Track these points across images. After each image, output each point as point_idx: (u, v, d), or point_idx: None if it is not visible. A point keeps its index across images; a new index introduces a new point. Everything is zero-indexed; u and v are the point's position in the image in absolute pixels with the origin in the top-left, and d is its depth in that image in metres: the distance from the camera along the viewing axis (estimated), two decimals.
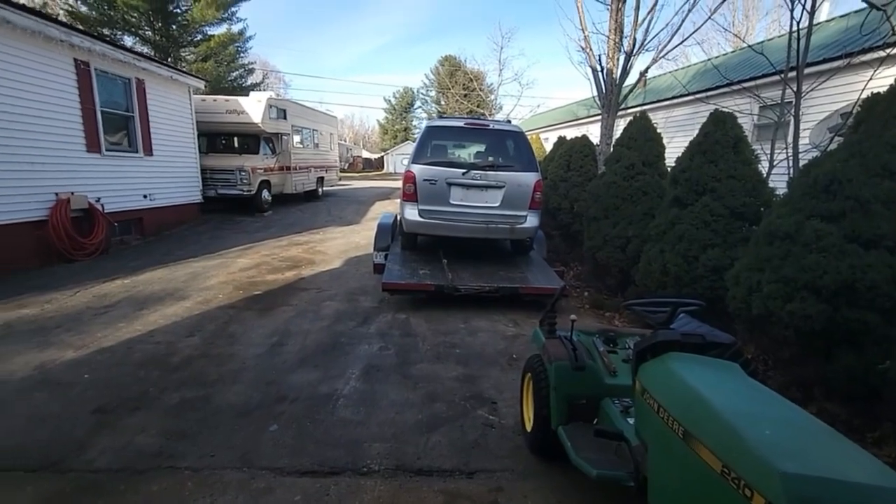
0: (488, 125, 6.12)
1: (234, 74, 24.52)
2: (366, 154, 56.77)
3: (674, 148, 6.27)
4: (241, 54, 24.61)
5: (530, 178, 5.67)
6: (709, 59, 11.22)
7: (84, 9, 18.14)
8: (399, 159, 46.44)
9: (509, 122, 6.79)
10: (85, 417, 2.91)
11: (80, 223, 6.96)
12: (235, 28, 22.97)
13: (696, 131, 4.59)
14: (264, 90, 23.92)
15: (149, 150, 8.73)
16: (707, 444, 1.35)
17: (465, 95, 34.79)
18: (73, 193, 6.82)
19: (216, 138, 12.35)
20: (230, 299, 5.31)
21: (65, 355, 3.76)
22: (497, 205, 5.62)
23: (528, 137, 6.43)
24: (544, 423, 2.43)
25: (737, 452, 1.25)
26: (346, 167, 41.53)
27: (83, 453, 2.57)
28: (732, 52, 13.75)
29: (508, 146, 6.05)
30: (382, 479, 2.43)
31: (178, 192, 9.82)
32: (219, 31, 22.08)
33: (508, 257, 6.41)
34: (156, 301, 5.16)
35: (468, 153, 6.97)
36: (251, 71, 26.52)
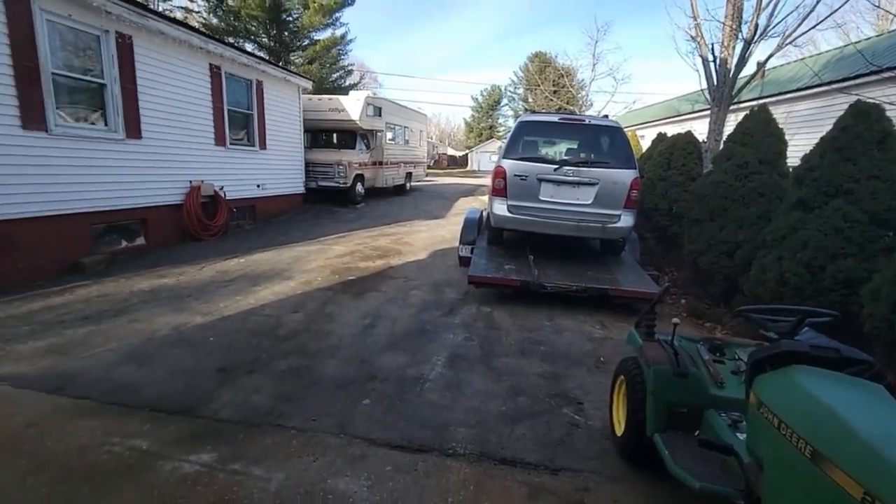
0: (584, 120, 5.94)
1: (335, 76, 26.24)
2: (451, 151, 57.68)
3: (795, 148, 5.60)
4: (342, 56, 26.26)
5: (627, 175, 5.40)
6: (848, 44, 9.75)
7: (215, 21, 20.61)
8: (483, 157, 46.52)
9: (606, 117, 6.51)
10: (211, 374, 3.34)
11: (207, 208, 7.95)
12: (338, 32, 24.59)
13: (827, 129, 4.05)
14: (361, 90, 25.30)
15: (263, 145, 9.70)
16: (843, 468, 1.22)
17: (555, 92, 33.83)
18: (202, 182, 7.82)
19: (318, 134, 13.34)
20: (328, 282, 5.74)
21: (195, 320, 4.34)
22: (589, 202, 5.43)
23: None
24: (638, 429, 2.33)
25: (886, 480, 1.11)
26: (431, 164, 42.62)
27: (210, 403, 2.96)
28: (878, 35, 11.85)
29: (604, 142, 5.81)
30: (467, 463, 2.50)
31: (286, 183, 10.80)
32: (324, 35, 23.78)
33: (598, 257, 6.17)
34: (266, 279, 5.74)
35: (561, 149, 6.81)
36: (350, 72, 28.21)
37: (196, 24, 18.75)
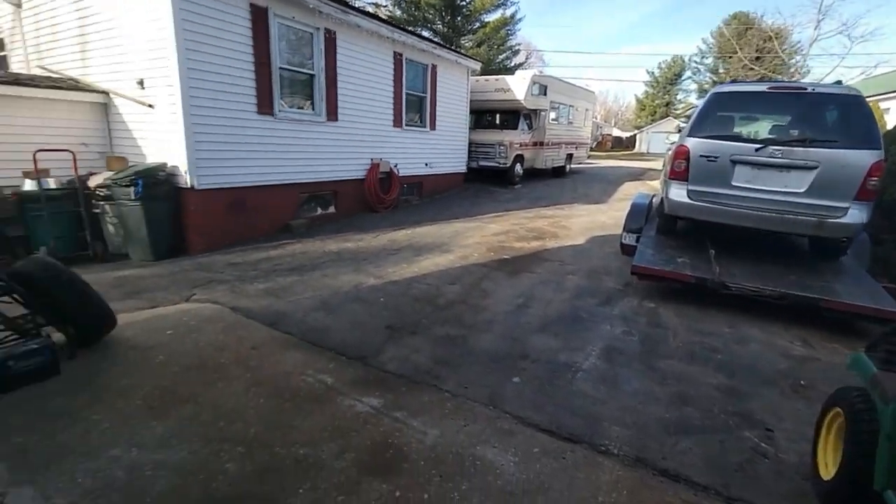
0: (806, 88, 4.80)
1: (502, 56, 26.42)
2: (616, 132, 53.29)
3: None
4: (510, 36, 26.26)
5: (863, 157, 4.21)
6: None
7: (398, 12, 22.58)
8: (655, 138, 41.86)
9: (839, 83, 5.16)
10: (381, 330, 3.76)
11: (383, 183, 8.89)
12: (508, 12, 24.60)
13: None
14: (527, 69, 25.00)
15: (433, 126, 10.36)
16: None
17: (757, 58, 28.38)
18: (381, 159, 8.75)
19: (483, 115, 13.65)
20: (483, 259, 5.91)
21: (369, 281, 4.93)
22: (802, 191, 4.42)
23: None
24: (858, 477, 1.85)
25: None
26: (594, 145, 40.06)
27: (379, 356, 3.34)
28: None
29: (831, 115, 4.63)
30: (621, 465, 2.33)
31: (450, 163, 11.40)
32: (493, 17, 24.10)
33: (805, 259, 5.05)
34: (428, 251, 6.19)
35: (764, 125, 5.67)
36: (516, 52, 28.09)
37: (383, 16, 20.80)
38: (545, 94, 13.40)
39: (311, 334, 3.61)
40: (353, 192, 8.42)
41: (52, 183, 5.49)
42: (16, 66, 7.60)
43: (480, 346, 3.54)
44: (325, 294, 4.48)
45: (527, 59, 34.50)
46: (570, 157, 16.62)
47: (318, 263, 5.49)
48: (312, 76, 7.25)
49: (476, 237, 7.07)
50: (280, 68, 6.62)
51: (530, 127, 13.23)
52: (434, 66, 10.05)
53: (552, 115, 14.38)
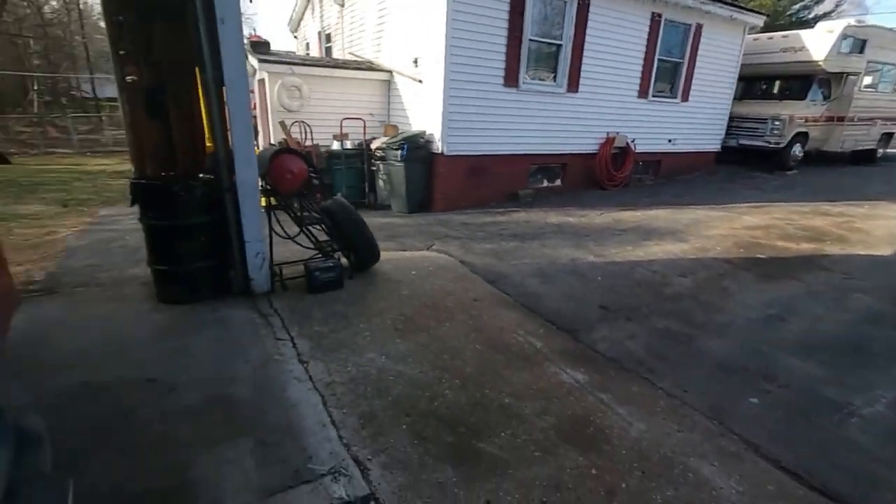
0: None
1: (797, 7, 20.76)
2: None
3: None
4: None
5: None
6: None
7: None
8: None
9: None
10: (594, 308, 3.66)
11: (616, 159, 8.34)
12: None
13: None
14: (834, 19, 19.00)
15: (686, 97, 9.05)
16: None
17: None
18: (617, 133, 8.19)
19: (755, 83, 11.16)
20: (728, 254, 5.02)
21: (588, 258, 4.81)
22: None
23: None
24: None
25: None
26: None
27: (590, 333, 3.27)
28: None
29: None
30: None
31: (700, 139, 9.84)
32: None
33: None
34: (658, 236, 5.61)
35: None
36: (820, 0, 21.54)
37: None
38: (860, 52, 10.04)
39: (525, 298, 3.79)
40: (582, 166, 8.18)
41: (348, 144, 7.12)
42: (335, 53, 9.96)
43: (709, 350, 3.09)
44: (542, 263, 4.60)
45: (836, 6, 26.07)
46: (886, 137, 12.22)
47: (539, 233, 5.64)
48: (559, 46, 7.20)
49: (722, 228, 6.03)
50: (529, 40, 6.80)
51: (826, 97, 10.21)
52: (699, 26, 8.64)
53: (867, 79, 10.69)
